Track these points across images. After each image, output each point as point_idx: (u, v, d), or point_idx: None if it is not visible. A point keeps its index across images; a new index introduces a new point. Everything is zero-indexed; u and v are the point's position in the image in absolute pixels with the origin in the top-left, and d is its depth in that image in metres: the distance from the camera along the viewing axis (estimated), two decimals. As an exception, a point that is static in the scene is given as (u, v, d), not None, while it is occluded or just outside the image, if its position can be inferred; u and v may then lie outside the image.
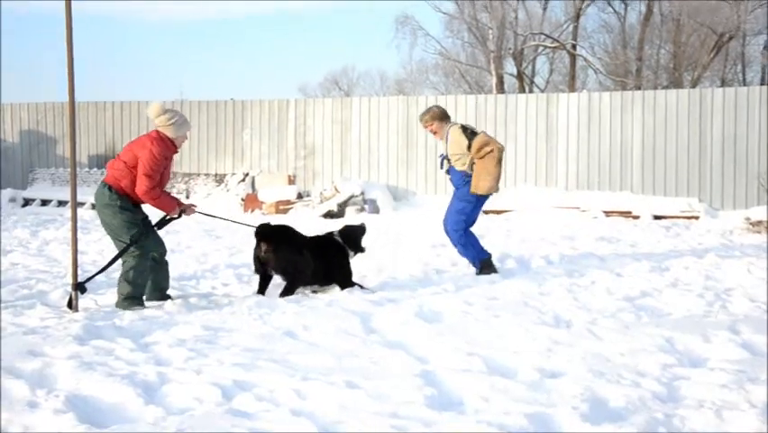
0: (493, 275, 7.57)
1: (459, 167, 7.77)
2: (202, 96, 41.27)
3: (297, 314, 5.80)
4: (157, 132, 6.45)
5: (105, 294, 6.71)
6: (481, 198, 7.83)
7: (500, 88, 30.75)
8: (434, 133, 7.97)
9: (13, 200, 18.26)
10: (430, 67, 37.38)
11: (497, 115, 16.40)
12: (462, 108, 16.55)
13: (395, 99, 17.65)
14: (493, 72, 30.92)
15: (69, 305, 6.06)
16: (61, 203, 17.69)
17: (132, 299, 6.24)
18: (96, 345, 4.82)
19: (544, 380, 4.17)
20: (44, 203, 18.09)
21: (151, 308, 6.08)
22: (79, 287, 6.08)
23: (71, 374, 4.17)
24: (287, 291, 6.64)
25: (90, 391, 3.95)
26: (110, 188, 6.29)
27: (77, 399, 3.86)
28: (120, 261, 6.37)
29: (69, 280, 6.38)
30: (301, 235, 6.96)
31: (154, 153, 6.26)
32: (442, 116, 7.93)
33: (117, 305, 6.23)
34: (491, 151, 7.59)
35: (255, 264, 6.76)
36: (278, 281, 6.79)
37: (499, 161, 7.61)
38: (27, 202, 18.29)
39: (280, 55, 70.93)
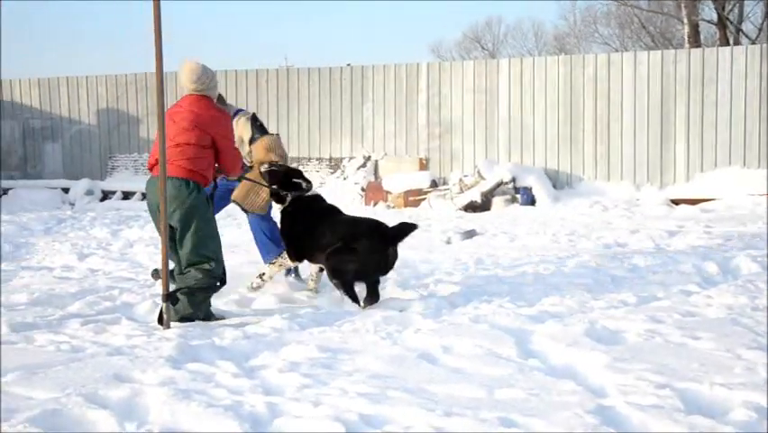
0: (689, 285, 7.38)
1: None
2: (311, 62, 42.08)
3: (434, 332, 5.84)
4: (207, 99, 6.71)
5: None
6: None
7: (695, 41, 29.82)
8: None
9: (90, 193, 19.25)
10: (599, 16, 36.80)
11: (690, 75, 15.92)
12: (644, 68, 16.16)
13: (554, 60, 17.44)
14: (685, 20, 30.06)
15: (160, 320, 6.30)
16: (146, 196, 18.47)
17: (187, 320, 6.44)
18: (193, 369, 5.00)
19: (763, 422, 4.03)
20: (126, 196, 19.00)
21: (256, 325, 6.25)
22: (171, 298, 6.30)
23: (165, 404, 4.33)
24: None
25: (187, 425, 4.10)
26: (187, 182, 6.46)
27: (173, 433, 4.02)
28: (174, 265, 6.65)
29: (159, 289, 6.64)
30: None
31: (230, 124, 6.86)
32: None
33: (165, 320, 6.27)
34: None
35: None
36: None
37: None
38: (106, 195, 19.25)
39: (407, 7, 71.36)
